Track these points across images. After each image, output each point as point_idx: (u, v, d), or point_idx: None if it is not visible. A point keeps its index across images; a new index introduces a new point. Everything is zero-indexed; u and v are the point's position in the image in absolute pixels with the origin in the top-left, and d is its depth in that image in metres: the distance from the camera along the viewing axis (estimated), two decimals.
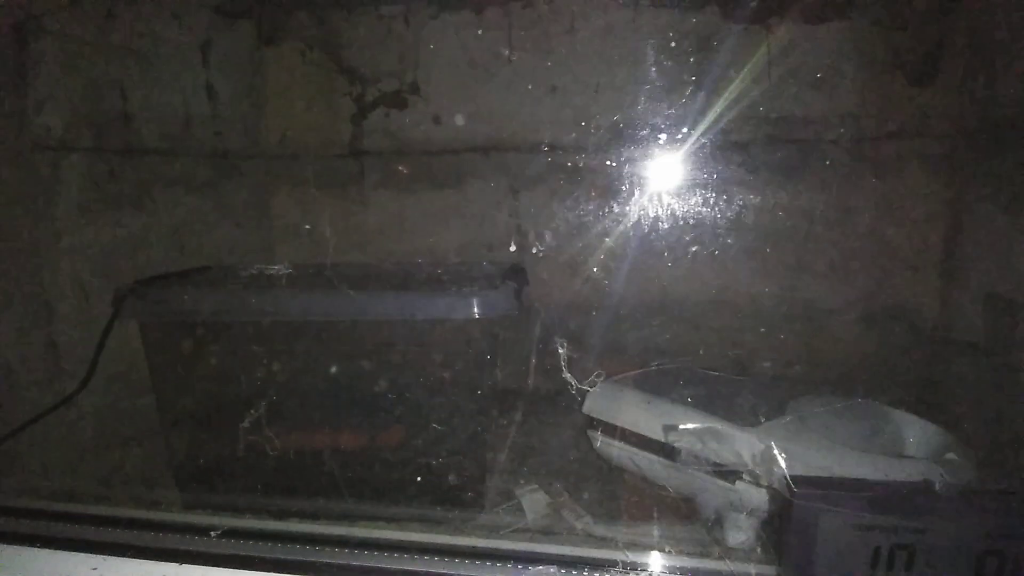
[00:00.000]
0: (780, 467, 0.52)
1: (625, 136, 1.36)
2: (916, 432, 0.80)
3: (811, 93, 1.28)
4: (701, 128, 1.29)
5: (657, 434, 0.77)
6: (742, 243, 1.31)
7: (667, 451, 0.74)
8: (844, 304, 1.29)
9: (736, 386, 0.90)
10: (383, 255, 1.47)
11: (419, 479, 0.89)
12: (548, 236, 1.38)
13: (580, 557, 0.47)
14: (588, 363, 1.20)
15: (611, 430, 0.85)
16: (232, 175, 1.36)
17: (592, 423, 0.87)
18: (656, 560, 0.46)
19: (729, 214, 1.31)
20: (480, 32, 1.38)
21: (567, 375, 0.85)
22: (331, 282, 0.95)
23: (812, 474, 0.43)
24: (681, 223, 1.29)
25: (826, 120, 1.28)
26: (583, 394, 0.89)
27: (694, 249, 1.29)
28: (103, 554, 0.57)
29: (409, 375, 0.89)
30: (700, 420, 0.77)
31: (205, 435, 0.90)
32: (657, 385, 0.89)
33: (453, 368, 0.88)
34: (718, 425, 0.67)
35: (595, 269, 1.34)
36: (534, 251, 1.38)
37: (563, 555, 0.47)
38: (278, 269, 1.12)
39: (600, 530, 0.79)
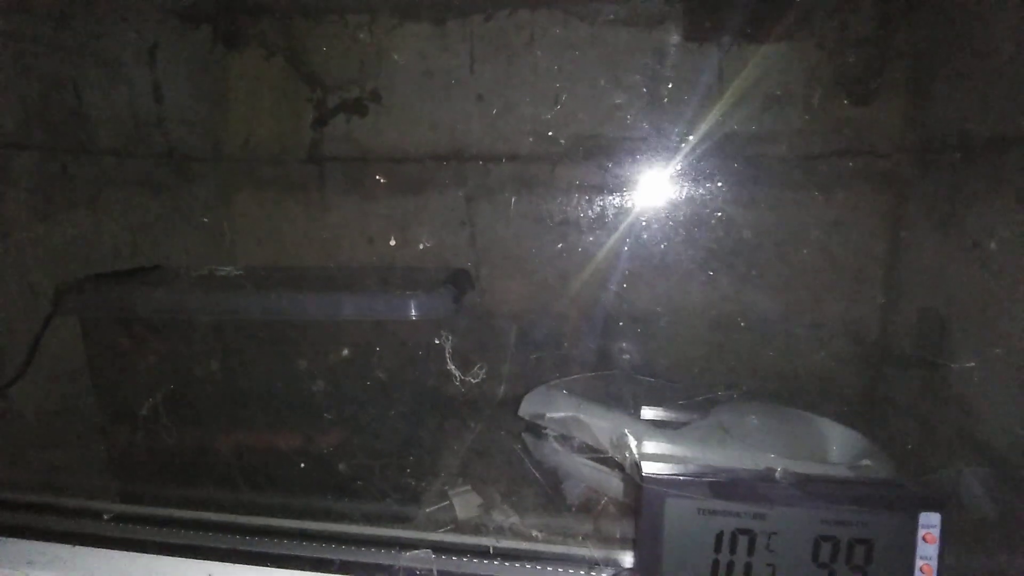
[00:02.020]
0: (632, 452, 0.53)
1: (581, 149, 1.39)
2: (836, 438, 0.82)
3: (761, 111, 1.31)
4: (656, 142, 1.32)
5: (587, 439, 0.79)
6: (693, 255, 1.33)
7: (597, 455, 0.76)
8: (790, 317, 1.31)
9: (668, 391, 0.92)
10: (344, 260, 1.48)
11: (356, 480, 0.90)
12: (501, 243, 1.40)
13: (455, 544, 0.49)
14: (534, 368, 1.22)
15: (543, 433, 0.86)
16: (192, 178, 1.37)
17: (526, 426, 0.89)
18: (523, 546, 0.48)
19: (682, 227, 1.34)
20: (442, 43, 1.40)
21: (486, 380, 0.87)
22: (273, 283, 0.97)
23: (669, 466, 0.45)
24: (633, 235, 1.32)
25: (775, 137, 1.32)
26: (518, 398, 0.91)
27: (644, 260, 1.32)
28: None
29: (347, 376, 0.90)
30: (628, 426, 0.78)
31: (141, 434, 0.90)
32: (591, 390, 0.91)
33: (390, 369, 0.89)
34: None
35: (548, 277, 1.36)
36: (484, 258, 1.40)
37: (441, 541, 0.49)
38: (229, 271, 1.14)
39: (526, 528, 0.81)
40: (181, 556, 0.54)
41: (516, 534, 0.49)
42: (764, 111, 1.30)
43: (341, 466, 0.90)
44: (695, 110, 1.32)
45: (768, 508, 0.41)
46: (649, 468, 0.42)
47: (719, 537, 0.42)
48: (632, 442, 0.55)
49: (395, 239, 1.47)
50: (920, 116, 1.14)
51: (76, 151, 1.11)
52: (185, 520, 0.58)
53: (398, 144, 1.44)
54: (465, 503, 0.89)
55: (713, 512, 0.42)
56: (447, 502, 0.90)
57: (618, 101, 1.38)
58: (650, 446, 0.61)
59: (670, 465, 0.42)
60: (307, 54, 1.39)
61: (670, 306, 1.35)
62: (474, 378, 0.80)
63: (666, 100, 1.36)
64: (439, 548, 0.49)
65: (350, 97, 1.39)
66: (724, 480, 0.42)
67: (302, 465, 0.91)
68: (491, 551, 0.47)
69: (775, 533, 0.41)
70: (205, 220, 1.35)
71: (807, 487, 0.42)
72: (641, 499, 0.41)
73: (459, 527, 0.86)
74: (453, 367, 0.75)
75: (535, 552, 0.48)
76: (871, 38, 1.20)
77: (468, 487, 0.92)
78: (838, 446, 0.82)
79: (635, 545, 0.42)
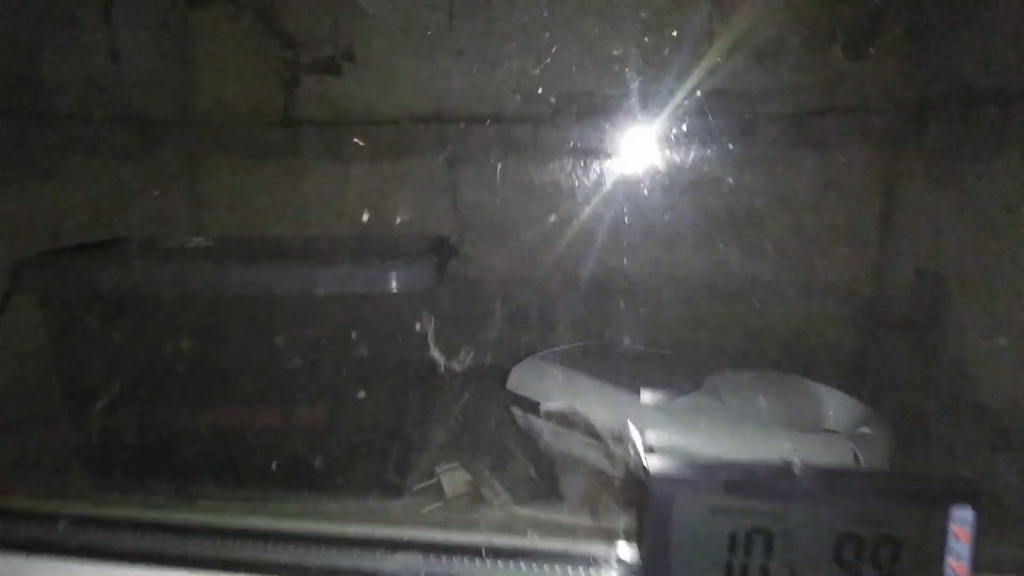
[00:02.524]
0: (636, 447, 0.50)
1: (568, 108, 1.33)
2: (835, 406, 0.80)
3: (754, 66, 1.26)
4: (646, 100, 1.27)
5: (576, 411, 0.76)
6: (683, 218, 1.30)
7: (587, 429, 0.73)
8: (782, 280, 1.28)
9: (660, 361, 0.89)
10: (320, 229, 1.43)
11: (338, 460, 0.87)
12: (485, 210, 1.36)
13: (443, 543, 0.46)
14: (520, 338, 1.19)
15: (533, 406, 0.83)
16: (158, 143, 1.31)
17: (515, 399, 0.86)
18: (518, 543, 0.45)
19: (672, 188, 1.30)
20: None
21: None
22: (246, 254, 0.92)
23: (692, 452, 0.42)
24: (622, 198, 1.27)
25: (767, 94, 1.27)
26: (505, 370, 0.88)
27: (633, 225, 1.28)
28: None
29: (326, 351, 0.86)
30: (619, 397, 0.75)
31: (107, 421, 0.86)
32: (581, 361, 0.88)
33: (371, 343, 0.85)
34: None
35: (535, 244, 1.32)
36: (468, 226, 1.35)
37: (429, 541, 0.46)
38: (198, 242, 1.08)
39: (516, 508, 0.78)
40: (148, 564, 0.51)
41: (509, 522, 0.46)
42: (756, 66, 1.25)
43: (321, 448, 0.87)
44: (683, 67, 1.27)
45: (786, 505, 0.38)
46: (656, 465, 0.38)
47: (733, 537, 0.39)
48: (636, 436, 0.52)
49: (373, 206, 1.41)
50: (918, 70, 1.10)
51: (32, 116, 1.04)
52: (151, 523, 0.55)
53: (375, 106, 1.37)
54: (453, 480, 0.86)
55: (726, 511, 0.39)
56: (434, 480, 0.87)
57: (603, 58, 1.33)
58: (653, 436, 0.57)
59: (678, 461, 0.39)
60: (277, 11, 1.32)
61: (659, 271, 1.32)
62: (460, 364, 0.77)
63: (656, 55, 1.30)
64: (428, 548, 0.45)
65: (323, 56, 1.33)
66: (738, 476, 0.38)
67: (280, 448, 0.87)
68: (483, 552, 0.44)
69: (794, 532, 0.38)
70: (157, 193, 1.28)
71: (828, 481, 0.39)
72: (648, 498, 0.38)
73: (447, 505, 0.84)
74: (436, 352, 0.71)
75: (531, 550, 0.45)
76: None
77: (456, 464, 0.89)
78: (836, 413, 0.80)
79: (640, 545, 0.39)
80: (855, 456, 0.70)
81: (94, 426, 0.87)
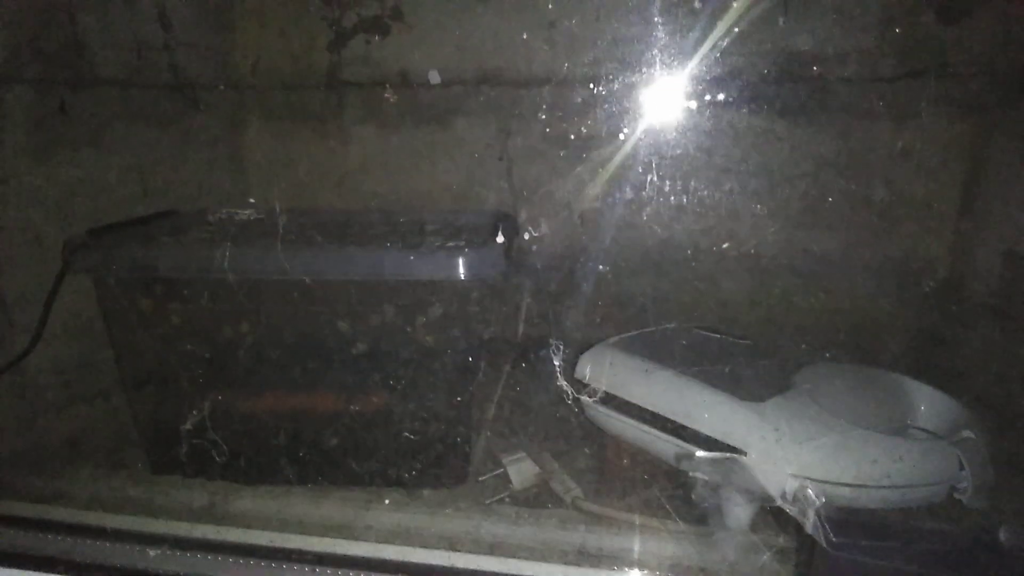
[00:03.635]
0: (814, 507, 0.46)
1: (624, 70, 1.26)
2: (932, 406, 0.75)
3: (827, 27, 1.17)
4: (706, 62, 1.19)
5: (657, 407, 0.72)
6: (747, 189, 1.23)
7: (667, 426, 0.69)
8: (853, 258, 1.22)
9: (739, 350, 0.84)
10: (365, 197, 1.38)
11: (400, 447, 0.84)
12: (539, 180, 1.30)
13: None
14: (579, 320, 1.14)
15: (605, 397, 0.79)
16: (200, 108, 1.26)
17: (584, 389, 0.82)
18: None
19: (734, 157, 1.23)
20: None
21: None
22: (303, 236, 0.88)
23: (844, 492, 0.38)
24: (683, 167, 1.21)
25: (841, 58, 1.19)
26: (569, 359, 0.83)
27: (695, 195, 1.22)
28: None
29: (389, 339, 0.82)
30: (705, 396, 0.71)
31: (169, 398, 0.83)
32: (655, 349, 0.83)
33: (436, 331, 0.82)
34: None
35: (594, 217, 1.26)
36: (520, 196, 1.30)
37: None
38: (249, 214, 1.04)
39: (589, 505, 0.75)
40: None
41: (624, 561, 0.43)
42: (831, 26, 1.17)
43: (382, 435, 0.84)
44: (749, 25, 1.19)
45: None
46: (838, 527, 0.34)
47: None
48: (815, 499, 0.47)
49: (421, 172, 1.36)
50: (1018, 36, 1.01)
51: (74, 84, 1.00)
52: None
53: (423, 67, 1.31)
54: (520, 472, 0.83)
55: None
56: (500, 470, 0.84)
57: (664, 15, 1.24)
58: (746, 443, 0.52)
59: (862, 526, 0.34)
60: None
61: (722, 246, 1.26)
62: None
63: (718, 13, 1.22)
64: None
65: (369, 15, 1.26)
66: (935, 546, 0.34)
67: (340, 435, 0.85)
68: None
69: None
70: (217, 154, 1.24)
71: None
72: (828, 565, 0.34)
73: (514, 497, 0.81)
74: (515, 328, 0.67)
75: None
76: None
77: (523, 454, 0.85)
78: (934, 414, 0.75)
79: None
80: (959, 463, 0.65)
81: (150, 409, 0.85)
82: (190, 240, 0.88)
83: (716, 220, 1.24)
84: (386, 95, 1.33)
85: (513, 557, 0.64)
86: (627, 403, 0.77)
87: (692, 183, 1.23)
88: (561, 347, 0.75)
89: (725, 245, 1.25)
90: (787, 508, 0.51)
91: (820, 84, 1.20)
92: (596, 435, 0.84)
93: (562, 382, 0.79)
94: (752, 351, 0.83)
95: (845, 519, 0.35)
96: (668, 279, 1.23)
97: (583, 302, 1.11)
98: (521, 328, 1.12)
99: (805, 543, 0.44)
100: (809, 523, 0.43)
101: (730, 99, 1.22)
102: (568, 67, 1.27)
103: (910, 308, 1.16)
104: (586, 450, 0.83)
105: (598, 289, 1.15)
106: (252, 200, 1.37)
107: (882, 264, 1.18)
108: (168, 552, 0.67)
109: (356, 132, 1.37)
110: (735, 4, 1.19)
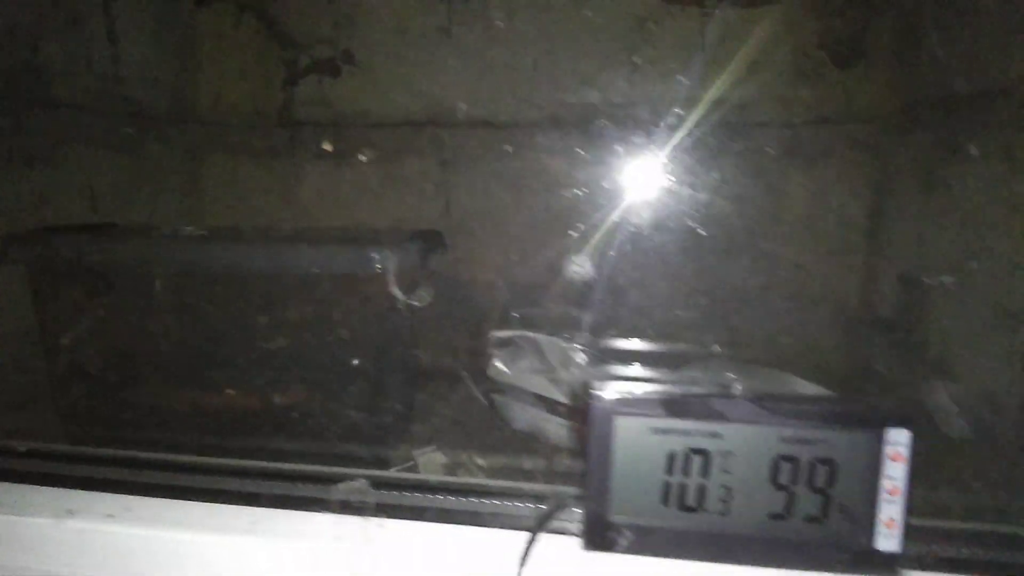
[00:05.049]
0: (580, 368, 0.50)
1: (560, 115, 1.35)
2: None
3: (743, 76, 1.28)
4: (636, 108, 1.29)
5: (547, 392, 0.76)
6: (670, 225, 1.31)
7: (553, 407, 0.73)
8: (771, 288, 1.29)
9: (646, 351, 0.89)
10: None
11: (316, 442, 0.87)
12: (479, 212, 1.37)
13: (386, 477, 0.46)
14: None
15: (510, 390, 0.83)
16: (159, 138, 1.33)
17: (494, 385, 0.86)
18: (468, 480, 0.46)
19: (659, 196, 1.31)
20: (419, 3, 1.36)
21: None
22: (234, 237, 0.93)
23: None
24: (609, 205, 1.28)
25: (757, 104, 1.29)
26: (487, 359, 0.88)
27: (619, 230, 1.29)
28: None
29: (307, 333, 0.86)
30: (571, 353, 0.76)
31: (93, 390, 0.86)
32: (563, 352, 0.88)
33: (352, 327, 0.86)
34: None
35: (526, 247, 1.33)
36: (461, 228, 1.37)
37: (381, 476, 0.46)
38: (191, 230, 1.10)
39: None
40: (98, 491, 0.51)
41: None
42: (747, 77, 1.27)
43: (300, 429, 0.87)
44: (674, 75, 1.29)
45: (724, 426, 0.38)
46: (598, 385, 0.39)
47: (671, 457, 0.39)
48: (581, 358, 0.52)
49: (369, 207, 1.43)
50: (904, 78, 1.11)
51: (32, 103, 1.06)
52: (105, 457, 0.55)
53: (372, 108, 1.40)
54: (429, 462, 0.86)
55: (666, 431, 0.39)
56: (411, 463, 0.87)
57: (597, 65, 1.35)
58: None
59: (620, 383, 0.39)
60: (278, 11, 1.35)
61: (648, 278, 1.32)
62: (420, 302, 0.76)
63: (647, 66, 1.33)
64: (379, 483, 0.46)
65: (323, 57, 1.35)
66: (678, 397, 0.39)
67: (259, 429, 0.87)
68: (432, 483, 0.44)
69: (731, 453, 0.39)
70: (156, 189, 1.30)
71: (766, 403, 0.39)
72: (589, 418, 0.38)
73: None
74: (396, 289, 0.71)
75: (481, 487, 0.45)
76: None
77: (433, 447, 0.89)
78: None
79: (584, 469, 0.40)
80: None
81: (74, 400, 0.88)
82: (116, 238, 0.92)
83: (642, 254, 1.31)
84: (324, 146, 1.41)
85: None
86: (527, 393, 0.81)
87: (620, 219, 1.30)
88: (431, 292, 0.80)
89: (652, 276, 1.31)
90: (561, 371, 0.55)
91: (739, 129, 1.30)
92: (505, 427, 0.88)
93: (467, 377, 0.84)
94: (649, 353, 0.88)
95: (607, 379, 0.39)
96: (596, 304, 1.28)
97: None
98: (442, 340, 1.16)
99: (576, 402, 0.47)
100: (577, 382, 0.47)
101: (659, 143, 1.31)
102: (509, 110, 1.36)
103: (823, 329, 1.22)
104: (492, 439, 0.87)
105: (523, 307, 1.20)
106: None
107: (796, 291, 1.25)
108: None
109: (310, 168, 1.44)
110: (664, 55, 1.30)
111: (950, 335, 0.92)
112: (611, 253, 1.31)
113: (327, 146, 1.36)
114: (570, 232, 1.29)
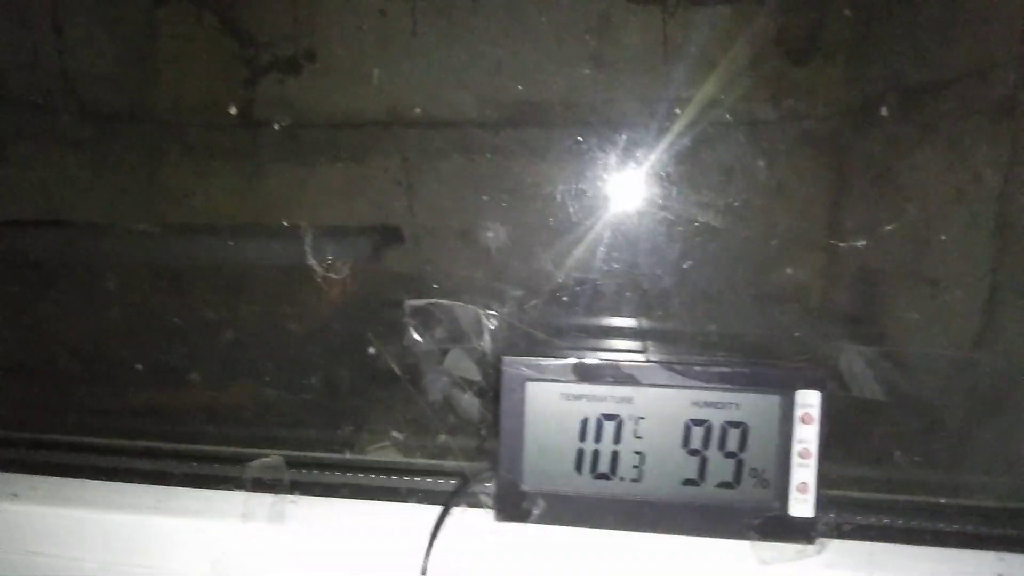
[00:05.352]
0: (491, 334, 0.50)
1: (525, 114, 1.35)
2: None
3: (703, 75, 1.29)
4: (599, 107, 1.29)
5: (444, 322, 0.75)
6: (634, 226, 1.30)
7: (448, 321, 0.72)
8: (736, 287, 1.28)
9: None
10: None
11: (270, 436, 0.85)
12: (442, 212, 1.36)
13: (301, 456, 0.45)
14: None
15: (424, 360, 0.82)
16: (117, 137, 1.31)
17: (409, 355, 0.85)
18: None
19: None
20: (383, 1, 1.36)
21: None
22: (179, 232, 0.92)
23: None
24: (574, 205, 1.28)
25: (720, 103, 1.29)
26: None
27: (585, 231, 1.28)
28: None
29: (259, 324, 0.85)
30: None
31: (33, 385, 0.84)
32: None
33: (303, 319, 0.85)
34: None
35: (489, 247, 1.32)
36: (425, 227, 1.36)
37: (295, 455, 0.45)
38: (143, 227, 1.08)
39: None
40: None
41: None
42: (707, 75, 1.28)
43: (253, 423, 0.86)
44: (637, 74, 1.30)
45: (636, 390, 0.38)
46: (510, 350, 0.38)
47: (584, 423, 0.38)
48: (491, 323, 0.51)
49: (332, 207, 1.42)
50: (860, 72, 1.12)
51: None
52: (11, 439, 0.54)
53: (335, 108, 1.39)
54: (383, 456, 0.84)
55: (578, 397, 0.38)
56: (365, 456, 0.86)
57: (560, 63, 1.35)
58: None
59: (533, 348, 0.38)
60: (238, 9, 1.34)
61: (613, 275, 1.32)
62: (337, 274, 0.75)
63: (609, 65, 1.33)
64: (294, 462, 0.45)
65: (284, 55, 1.34)
66: (589, 361, 0.38)
67: (211, 422, 0.86)
68: (348, 461, 0.43)
69: (643, 418, 0.38)
70: (132, 181, 1.28)
71: (676, 367, 0.38)
72: (500, 384, 0.37)
73: None
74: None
75: (397, 464, 0.44)
76: None
77: (387, 443, 0.87)
78: None
79: (496, 432, 0.39)
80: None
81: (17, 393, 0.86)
82: (59, 231, 0.91)
83: (608, 251, 1.31)
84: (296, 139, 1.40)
85: None
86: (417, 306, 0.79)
87: (588, 220, 1.30)
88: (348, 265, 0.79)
89: (617, 277, 1.31)
90: (472, 336, 0.54)
91: (700, 125, 1.30)
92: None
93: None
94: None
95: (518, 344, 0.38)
96: (558, 305, 1.28)
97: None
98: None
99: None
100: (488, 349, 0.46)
101: (621, 142, 1.31)
102: (470, 111, 1.36)
103: (788, 324, 1.21)
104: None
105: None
106: None
107: (764, 290, 1.25)
108: None
109: (272, 168, 1.43)
110: (626, 54, 1.31)
111: (905, 327, 0.92)
112: (567, 256, 1.31)
113: (277, 126, 1.35)
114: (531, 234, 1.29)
